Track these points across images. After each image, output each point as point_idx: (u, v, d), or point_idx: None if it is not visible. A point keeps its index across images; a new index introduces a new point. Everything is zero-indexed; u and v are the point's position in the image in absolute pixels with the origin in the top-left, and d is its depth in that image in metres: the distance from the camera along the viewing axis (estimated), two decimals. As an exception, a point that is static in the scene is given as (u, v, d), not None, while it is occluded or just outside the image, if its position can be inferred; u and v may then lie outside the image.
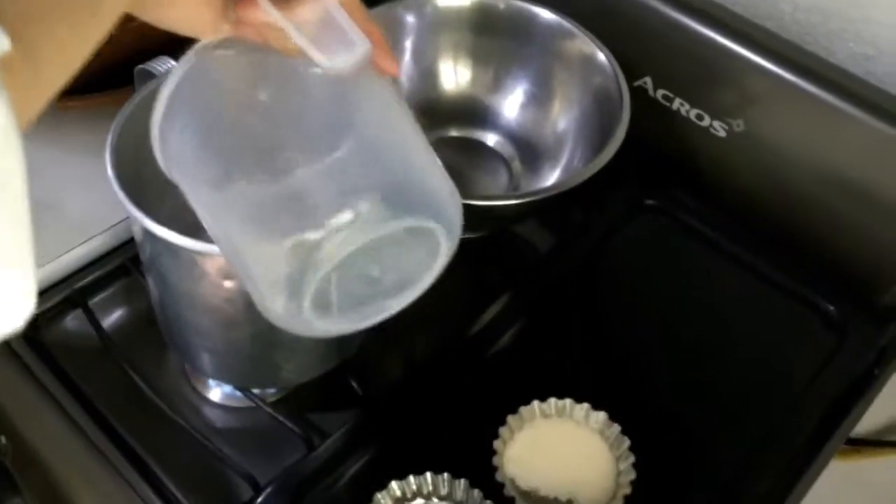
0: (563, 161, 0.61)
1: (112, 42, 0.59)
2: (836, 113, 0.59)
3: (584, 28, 0.62)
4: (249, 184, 0.35)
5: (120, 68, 0.63)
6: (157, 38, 0.56)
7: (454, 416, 0.53)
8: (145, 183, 0.45)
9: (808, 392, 0.56)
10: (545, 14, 0.63)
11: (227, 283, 0.44)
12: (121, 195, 0.43)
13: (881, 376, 0.59)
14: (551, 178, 0.61)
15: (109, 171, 0.44)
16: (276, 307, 0.35)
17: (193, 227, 0.40)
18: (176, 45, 0.53)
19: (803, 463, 0.53)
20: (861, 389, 0.57)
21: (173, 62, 0.50)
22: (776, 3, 0.66)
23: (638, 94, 0.66)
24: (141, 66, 0.50)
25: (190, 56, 0.37)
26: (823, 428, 0.55)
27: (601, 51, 0.60)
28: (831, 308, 0.59)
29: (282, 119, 0.37)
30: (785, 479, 0.52)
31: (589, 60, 0.61)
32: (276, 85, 0.38)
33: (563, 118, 0.63)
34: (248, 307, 0.46)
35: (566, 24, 0.62)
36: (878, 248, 0.62)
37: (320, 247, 0.33)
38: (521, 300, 0.59)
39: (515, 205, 0.54)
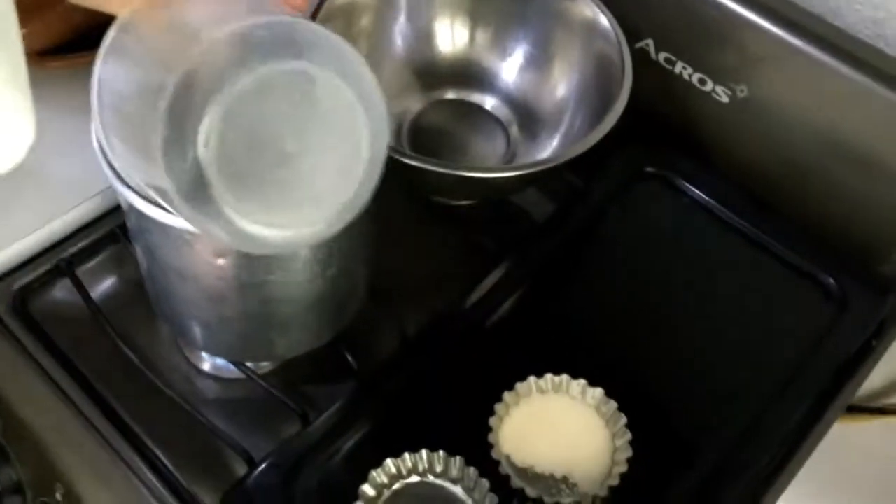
0: (563, 127, 0.60)
1: None
2: (842, 79, 0.57)
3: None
4: None
5: (103, 26, 0.62)
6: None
7: (450, 391, 0.52)
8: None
9: (807, 365, 0.55)
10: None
11: (220, 261, 0.43)
12: (105, 168, 0.42)
13: (879, 347, 0.58)
14: (550, 144, 0.60)
15: (95, 142, 0.43)
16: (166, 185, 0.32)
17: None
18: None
19: (800, 436, 0.53)
20: (859, 362, 0.57)
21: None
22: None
23: (639, 57, 0.64)
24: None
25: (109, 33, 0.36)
26: (821, 400, 0.54)
27: (604, 14, 0.58)
28: (831, 281, 0.58)
29: None
30: (782, 451, 0.52)
31: (591, 24, 0.59)
32: None
33: (562, 83, 0.61)
34: (240, 284, 0.45)
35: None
36: (878, 218, 0.61)
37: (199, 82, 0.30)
38: (518, 270, 0.57)
39: (513, 177, 0.53)
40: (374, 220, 0.47)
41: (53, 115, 0.63)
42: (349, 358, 0.54)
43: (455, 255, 0.61)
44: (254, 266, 0.43)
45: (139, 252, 0.48)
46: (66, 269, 0.56)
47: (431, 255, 0.61)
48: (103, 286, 0.58)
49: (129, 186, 0.41)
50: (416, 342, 0.55)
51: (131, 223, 0.46)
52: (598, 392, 0.50)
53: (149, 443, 0.51)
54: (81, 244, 0.58)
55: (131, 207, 0.42)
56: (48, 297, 0.56)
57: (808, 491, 0.53)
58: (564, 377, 0.51)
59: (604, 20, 0.58)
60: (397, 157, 0.52)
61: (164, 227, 0.41)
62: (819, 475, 0.53)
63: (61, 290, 0.57)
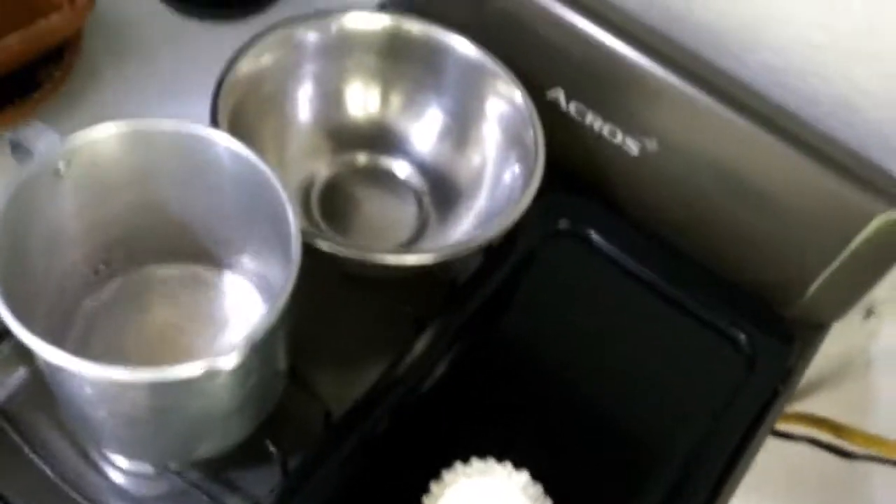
0: (478, 199, 0.59)
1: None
2: (747, 134, 0.59)
3: (501, 60, 0.60)
4: None
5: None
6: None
7: (378, 477, 0.52)
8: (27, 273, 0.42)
9: (721, 419, 0.57)
10: (461, 43, 0.60)
11: (132, 393, 0.41)
12: (5, 309, 0.39)
13: (784, 393, 0.61)
14: (464, 215, 0.60)
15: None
16: None
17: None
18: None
19: (721, 484, 0.55)
20: (767, 408, 0.59)
21: (42, 127, 0.45)
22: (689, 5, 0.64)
23: (550, 108, 0.64)
24: (11, 135, 0.45)
25: None
26: (736, 450, 0.57)
27: (518, 89, 0.58)
28: (741, 335, 0.60)
29: None
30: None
31: (505, 98, 0.59)
32: None
33: (476, 153, 0.61)
34: (156, 410, 0.44)
35: (484, 57, 0.59)
36: (784, 261, 0.63)
37: None
38: (439, 340, 0.57)
39: (426, 264, 0.53)
40: (290, 315, 0.46)
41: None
42: (271, 447, 0.53)
43: (373, 324, 0.61)
44: (170, 393, 0.42)
45: (43, 370, 0.46)
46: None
47: (348, 327, 0.60)
48: (9, 383, 0.55)
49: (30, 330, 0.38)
50: (341, 424, 0.54)
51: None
52: (524, 475, 0.51)
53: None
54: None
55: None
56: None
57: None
58: (490, 461, 0.51)
59: (518, 96, 0.58)
60: (307, 240, 0.50)
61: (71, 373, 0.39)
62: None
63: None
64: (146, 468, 0.53)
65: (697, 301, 0.62)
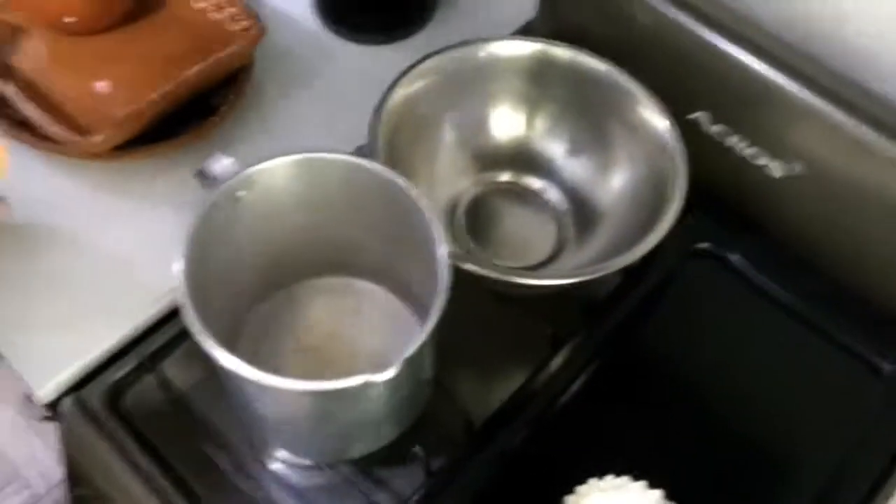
0: (616, 220, 0.61)
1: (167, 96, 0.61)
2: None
3: (645, 85, 0.61)
4: None
5: (170, 118, 0.65)
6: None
7: (514, 488, 0.55)
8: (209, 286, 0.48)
9: (860, 451, 0.57)
10: (606, 68, 0.62)
11: (296, 400, 0.46)
12: (193, 319, 0.45)
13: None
14: (602, 237, 0.61)
15: (183, 293, 0.46)
16: None
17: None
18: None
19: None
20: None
21: (227, 160, 0.51)
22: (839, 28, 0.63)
23: (692, 128, 0.65)
24: (200, 167, 0.51)
25: None
26: (876, 485, 0.56)
27: (662, 113, 0.59)
28: (885, 364, 0.59)
29: None
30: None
31: (649, 122, 0.60)
32: None
33: (618, 175, 0.62)
34: (318, 416, 0.49)
35: (628, 81, 0.61)
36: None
37: None
38: (576, 357, 0.60)
39: (567, 284, 0.55)
40: (437, 332, 0.50)
41: (129, 205, 0.67)
42: (416, 450, 0.57)
43: (513, 339, 0.64)
44: (330, 401, 0.47)
45: (219, 372, 0.52)
46: (149, 365, 0.60)
47: (489, 341, 0.63)
48: (187, 376, 0.61)
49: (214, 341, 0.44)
50: (481, 432, 0.58)
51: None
52: (657, 494, 0.52)
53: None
54: (165, 338, 0.61)
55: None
56: (137, 392, 0.60)
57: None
58: (625, 479, 0.53)
59: (662, 122, 0.59)
60: (453, 261, 0.54)
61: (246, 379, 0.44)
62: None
63: (149, 384, 0.61)
64: (305, 462, 0.58)
65: (839, 326, 0.61)
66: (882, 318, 0.62)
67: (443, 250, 0.48)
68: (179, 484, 0.56)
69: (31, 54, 0.69)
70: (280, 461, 0.59)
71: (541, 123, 0.66)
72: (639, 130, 0.61)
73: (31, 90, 0.67)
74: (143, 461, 0.57)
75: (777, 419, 0.59)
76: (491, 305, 0.63)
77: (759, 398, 0.60)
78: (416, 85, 0.62)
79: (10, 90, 0.63)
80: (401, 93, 0.61)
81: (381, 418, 0.51)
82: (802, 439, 0.58)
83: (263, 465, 0.59)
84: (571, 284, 0.55)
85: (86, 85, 0.70)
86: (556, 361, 0.59)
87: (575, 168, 0.66)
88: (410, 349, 0.44)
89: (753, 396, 0.60)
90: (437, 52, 0.62)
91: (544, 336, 0.61)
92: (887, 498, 0.56)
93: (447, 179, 0.66)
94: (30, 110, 0.64)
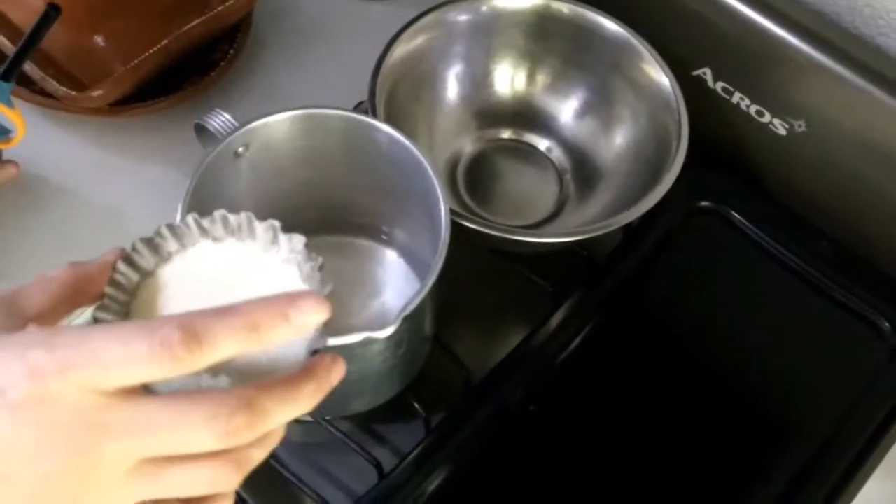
0: (618, 179, 0.61)
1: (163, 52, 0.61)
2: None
3: (648, 41, 0.60)
4: None
5: (166, 77, 0.65)
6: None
7: (511, 443, 0.56)
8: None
9: (859, 406, 0.57)
10: (608, 23, 0.61)
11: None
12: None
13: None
14: (603, 194, 0.61)
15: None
16: None
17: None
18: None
19: (852, 473, 0.55)
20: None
21: (226, 115, 0.50)
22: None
23: (695, 85, 0.64)
24: (198, 120, 0.51)
25: None
26: (873, 439, 0.57)
27: (664, 70, 0.58)
28: (885, 323, 0.59)
29: None
30: (834, 490, 0.55)
31: (651, 78, 0.60)
32: None
33: (620, 132, 0.62)
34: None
35: (630, 37, 0.60)
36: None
37: None
38: (576, 314, 0.60)
39: (569, 242, 0.55)
40: (437, 288, 0.50)
41: (127, 161, 0.67)
42: (416, 406, 0.58)
43: (513, 297, 0.64)
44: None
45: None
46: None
47: (491, 298, 0.64)
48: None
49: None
50: (480, 388, 0.58)
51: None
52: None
53: (239, 491, 0.56)
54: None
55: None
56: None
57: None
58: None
59: (664, 76, 0.59)
60: (454, 219, 0.54)
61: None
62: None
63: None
64: (305, 418, 0.58)
65: (840, 285, 0.61)
66: (883, 276, 0.62)
67: (443, 207, 0.48)
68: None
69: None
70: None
71: (542, 79, 0.65)
72: (641, 87, 0.61)
73: (28, 45, 0.66)
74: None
75: (776, 376, 0.59)
76: (491, 263, 0.63)
77: (759, 355, 0.60)
78: (416, 40, 0.61)
79: (6, 45, 0.63)
80: (401, 48, 0.60)
81: (381, 375, 0.52)
82: (802, 395, 0.58)
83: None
84: (572, 242, 0.55)
85: (83, 40, 0.69)
86: (556, 319, 0.59)
87: (577, 125, 0.65)
88: (410, 306, 0.44)
89: (753, 354, 0.60)
90: (437, 7, 0.61)
91: (544, 294, 0.61)
92: (884, 452, 0.56)
93: (448, 136, 0.65)
94: (27, 66, 0.63)
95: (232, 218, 0.36)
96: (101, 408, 0.28)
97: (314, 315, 0.30)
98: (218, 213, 0.36)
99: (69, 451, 0.28)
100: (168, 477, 0.29)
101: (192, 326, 0.28)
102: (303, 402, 0.31)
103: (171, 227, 0.36)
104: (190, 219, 0.36)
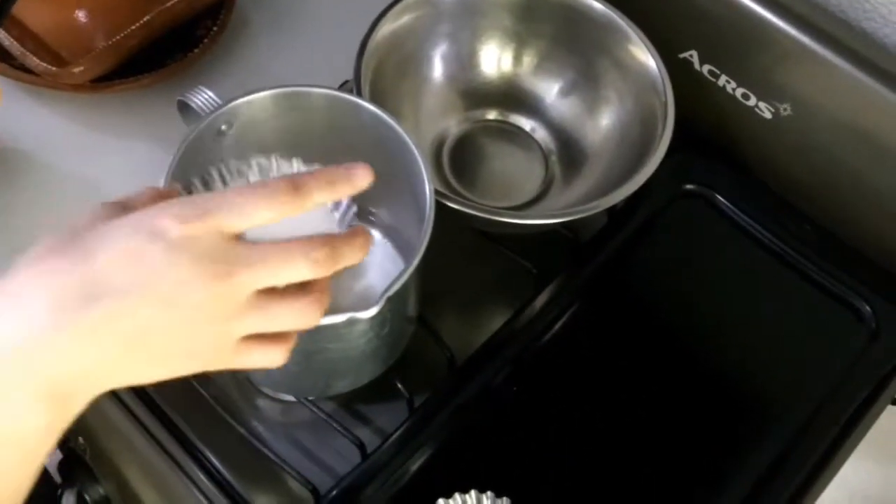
0: (604, 161, 0.61)
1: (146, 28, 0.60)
2: (884, 98, 0.57)
3: (635, 22, 0.60)
4: None
5: (148, 53, 0.65)
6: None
7: (495, 424, 0.56)
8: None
9: (839, 389, 0.58)
10: (597, 6, 0.61)
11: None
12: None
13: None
14: (589, 176, 0.61)
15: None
16: None
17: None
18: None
19: (831, 454, 0.56)
20: (885, 384, 0.59)
21: (209, 93, 0.50)
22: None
23: (682, 67, 0.64)
24: (180, 97, 0.50)
25: None
26: (851, 421, 0.57)
27: (651, 52, 0.58)
28: (865, 306, 0.60)
29: None
30: (813, 472, 0.55)
31: (637, 60, 0.59)
32: None
33: (606, 114, 0.62)
34: (303, 351, 0.48)
35: (617, 18, 0.60)
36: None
37: None
38: (560, 297, 0.60)
39: (553, 223, 0.55)
40: (421, 269, 0.50)
41: (109, 138, 0.66)
42: (399, 386, 0.58)
43: (498, 278, 0.64)
44: (315, 338, 0.47)
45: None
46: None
47: (475, 280, 0.63)
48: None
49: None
50: (464, 369, 0.58)
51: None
52: None
53: (222, 470, 0.56)
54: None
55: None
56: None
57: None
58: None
59: (650, 58, 0.58)
60: (439, 199, 0.54)
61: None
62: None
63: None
64: (289, 399, 0.58)
65: (822, 269, 0.62)
66: (865, 260, 0.63)
67: (429, 188, 0.48)
68: (164, 420, 0.57)
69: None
70: (264, 397, 0.59)
71: (529, 60, 0.65)
72: (628, 68, 0.60)
73: (9, 21, 0.65)
74: (128, 397, 0.57)
75: (758, 357, 0.59)
76: (476, 244, 0.63)
77: (741, 337, 0.60)
78: (402, 19, 0.61)
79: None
80: (386, 27, 0.60)
81: (365, 355, 0.51)
82: (783, 377, 0.59)
83: (248, 402, 0.59)
84: (557, 224, 0.55)
85: (65, 15, 0.68)
86: (541, 300, 0.59)
87: (563, 106, 0.65)
88: (394, 287, 0.44)
89: (735, 335, 0.60)
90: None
91: (529, 275, 0.61)
92: (862, 434, 0.57)
93: (433, 117, 0.65)
94: (7, 42, 0.62)
95: (264, 162, 0.44)
96: (231, 247, 0.37)
97: (366, 177, 0.40)
98: (254, 161, 0.44)
99: (215, 276, 0.36)
100: (273, 308, 0.38)
101: (293, 180, 0.38)
102: (358, 249, 0.40)
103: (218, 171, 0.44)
104: (233, 163, 0.44)
